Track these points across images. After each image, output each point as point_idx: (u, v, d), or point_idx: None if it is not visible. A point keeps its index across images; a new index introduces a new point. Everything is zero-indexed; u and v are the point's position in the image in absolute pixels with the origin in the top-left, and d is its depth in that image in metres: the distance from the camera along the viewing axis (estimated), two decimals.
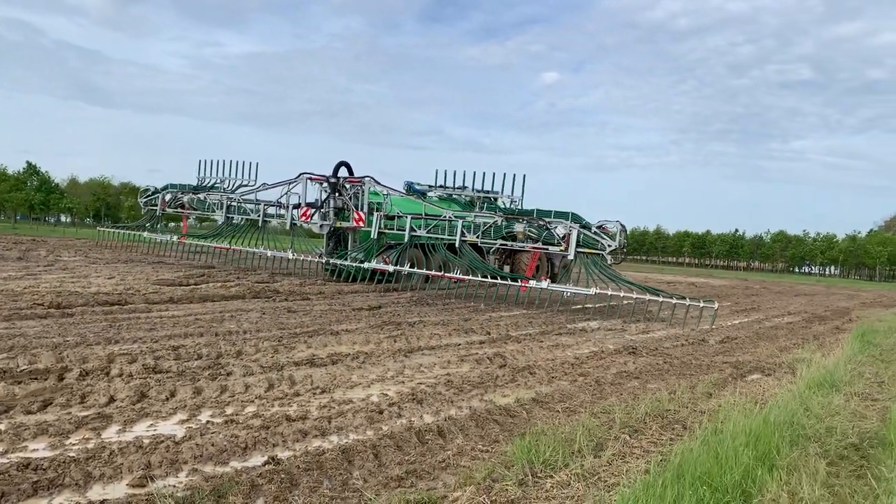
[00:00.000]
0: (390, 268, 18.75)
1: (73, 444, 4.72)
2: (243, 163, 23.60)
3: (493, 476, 4.46)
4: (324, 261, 20.60)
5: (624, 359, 9.97)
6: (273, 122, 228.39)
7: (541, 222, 17.87)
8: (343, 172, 21.00)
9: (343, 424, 5.60)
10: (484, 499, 4.08)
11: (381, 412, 6.04)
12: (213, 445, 4.82)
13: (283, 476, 4.35)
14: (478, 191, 22.08)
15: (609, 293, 16.37)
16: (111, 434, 5.02)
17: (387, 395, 6.77)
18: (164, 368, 7.02)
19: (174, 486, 4.11)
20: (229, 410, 5.82)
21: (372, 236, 19.84)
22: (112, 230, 27.92)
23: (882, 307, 27.49)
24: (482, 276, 17.98)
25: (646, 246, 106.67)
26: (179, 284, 14.92)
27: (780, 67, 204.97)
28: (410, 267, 18.98)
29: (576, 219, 17.29)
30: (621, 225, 17.45)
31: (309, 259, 20.80)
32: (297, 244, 21.77)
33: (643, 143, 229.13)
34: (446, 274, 19.07)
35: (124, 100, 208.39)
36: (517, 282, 17.88)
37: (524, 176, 21.39)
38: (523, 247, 18.62)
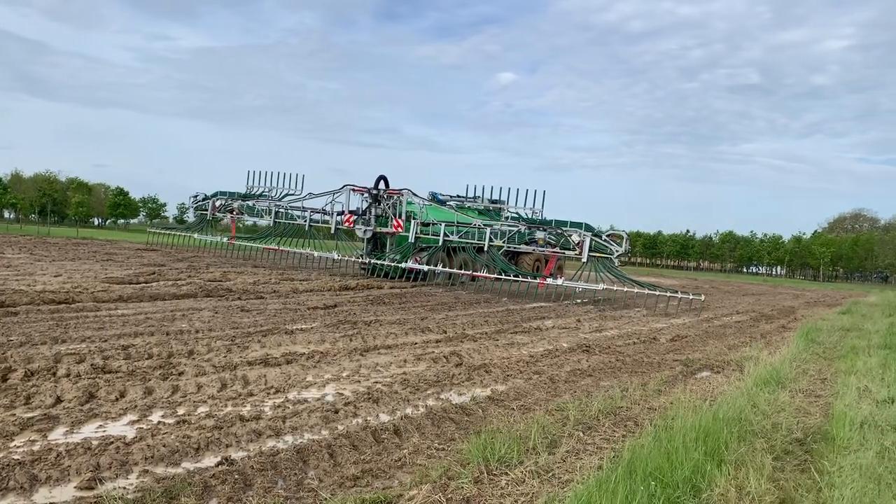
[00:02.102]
0: (424, 267, 21.63)
1: (18, 447, 4.58)
2: (289, 174, 26.63)
3: (448, 474, 4.48)
4: (365, 261, 23.16)
5: (578, 357, 10.11)
6: (225, 118, 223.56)
7: (559, 231, 20.96)
8: (382, 185, 23.72)
9: (298, 424, 5.56)
10: (440, 497, 4.10)
11: (336, 412, 6.01)
12: (164, 446, 4.74)
13: (236, 476, 4.30)
14: (488, 200, 26.16)
15: (615, 288, 20.41)
16: (58, 436, 4.89)
17: (342, 394, 6.74)
18: (114, 368, 6.86)
19: (124, 488, 4.03)
20: (181, 411, 5.72)
21: (410, 240, 22.55)
22: (164, 232, 30.88)
23: (825, 306, 28.39)
24: (506, 275, 21.41)
25: None
26: (129, 283, 14.59)
27: (729, 72, 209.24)
28: (440, 267, 22.10)
29: (588, 228, 20.49)
30: (625, 234, 20.90)
31: (352, 259, 23.48)
32: (339, 247, 24.39)
33: (595, 144, 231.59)
34: (475, 273, 22.10)
35: (69, 93, 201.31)
36: (536, 280, 21.19)
37: (544, 192, 25.51)
38: (543, 249, 21.97)
